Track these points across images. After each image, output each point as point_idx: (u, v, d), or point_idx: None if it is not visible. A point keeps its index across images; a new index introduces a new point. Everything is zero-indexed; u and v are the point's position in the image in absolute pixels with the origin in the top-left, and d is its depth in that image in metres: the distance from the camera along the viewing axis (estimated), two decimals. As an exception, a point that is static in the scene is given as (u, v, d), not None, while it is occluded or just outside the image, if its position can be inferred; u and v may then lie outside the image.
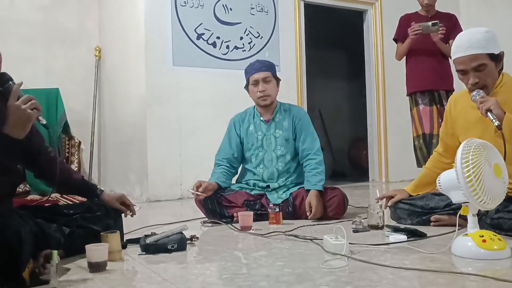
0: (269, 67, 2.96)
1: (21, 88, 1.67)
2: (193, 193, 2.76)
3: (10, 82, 1.73)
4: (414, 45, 3.65)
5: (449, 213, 2.31)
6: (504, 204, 1.84)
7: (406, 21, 3.73)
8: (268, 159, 2.96)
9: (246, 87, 3.00)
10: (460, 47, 2.15)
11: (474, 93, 2.13)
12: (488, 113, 2.01)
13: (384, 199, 2.61)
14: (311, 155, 2.89)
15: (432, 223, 2.37)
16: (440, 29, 3.51)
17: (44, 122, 1.75)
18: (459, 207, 1.85)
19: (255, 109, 3.04)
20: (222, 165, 2.99)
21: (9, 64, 5.42)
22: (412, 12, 3.86)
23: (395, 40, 3.86)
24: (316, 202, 2.71)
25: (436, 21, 3.52)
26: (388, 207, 2.59)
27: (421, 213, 2.43)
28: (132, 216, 2.27)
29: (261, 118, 3.00)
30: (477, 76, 2.13)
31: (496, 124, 1.96)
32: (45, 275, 1.58)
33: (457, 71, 2.22)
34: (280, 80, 3.02)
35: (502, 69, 2.22)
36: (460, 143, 1.86)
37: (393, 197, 2.58)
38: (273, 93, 2.94)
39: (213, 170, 3.00)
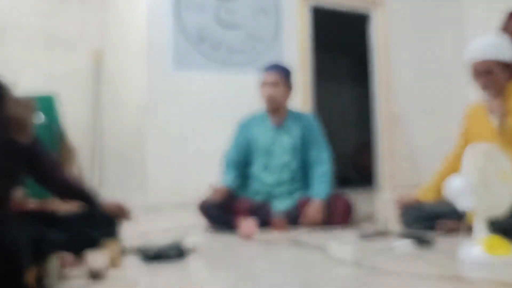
0: (280, 70, 2.92)
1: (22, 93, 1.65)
2: (207, 198, 2.74)
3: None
4: None
5: (456, 219, 2.28)
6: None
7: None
8: (273, 165, 2.91)
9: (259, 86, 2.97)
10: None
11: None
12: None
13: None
14: (319, 164, 2.85)
15: (438, 231, 2.34)
16: None
17: (43, 120, 1.74)
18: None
19: (266, 113, 2.99)
20: (231, 166, 2.93)
21: (9, 69, 5.41)
22: None
23: None
24: (314, 212, 2.69)
25: None
26: (397, 212, 2.57)
27: (428, 218, 2.40)
28: (133, 223, 2.24)
29: (270, 123, 2.96)
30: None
31: None
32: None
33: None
34: (291, 86, 2.96)
35: None
36: None
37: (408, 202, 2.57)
38: (278, 96, 2.88)
39: (224, 171, 2.93)
